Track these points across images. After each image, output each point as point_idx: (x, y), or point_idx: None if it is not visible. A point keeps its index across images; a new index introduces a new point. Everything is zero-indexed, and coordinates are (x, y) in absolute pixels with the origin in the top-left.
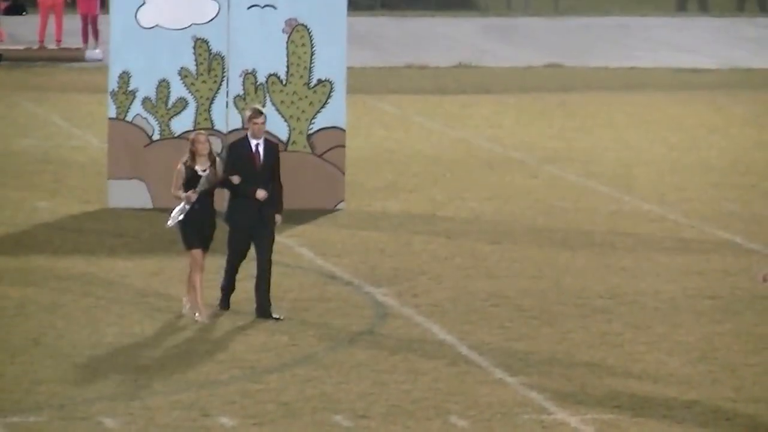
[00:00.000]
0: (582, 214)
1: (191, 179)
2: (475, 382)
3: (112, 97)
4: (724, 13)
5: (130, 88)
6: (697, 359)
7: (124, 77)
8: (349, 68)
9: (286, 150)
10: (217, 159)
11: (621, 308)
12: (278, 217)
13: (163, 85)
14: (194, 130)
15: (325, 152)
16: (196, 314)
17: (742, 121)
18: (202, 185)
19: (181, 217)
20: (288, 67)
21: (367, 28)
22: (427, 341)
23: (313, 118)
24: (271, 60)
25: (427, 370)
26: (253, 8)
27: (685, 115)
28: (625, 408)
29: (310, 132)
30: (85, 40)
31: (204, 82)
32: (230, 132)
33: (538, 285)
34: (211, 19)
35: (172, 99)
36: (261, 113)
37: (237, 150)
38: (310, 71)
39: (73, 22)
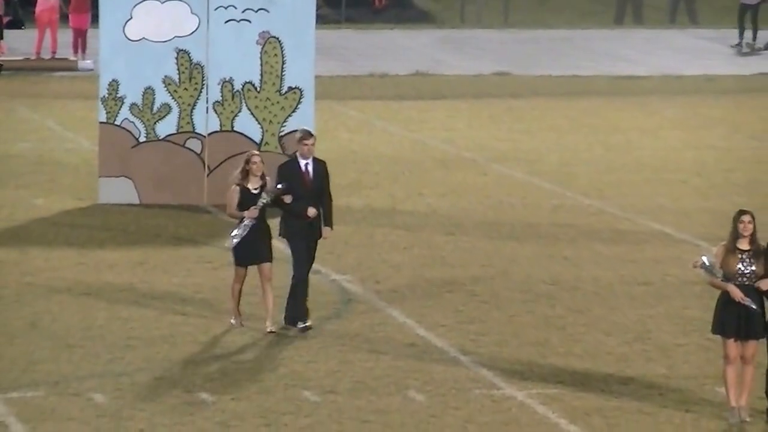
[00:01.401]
0: (527, 209)
1: (245, 199)
2: (431, 360)
3: (102, 103)
4: (657, 25)
5: (118, 95)
6: (632, 339)
7: (113, 85)
8: (316, 77)
9: (259, 151)
10: (268, 179)
11: (563, 293)
12: (327, 230)
13: (149, 92)
14: (177, 132)
15: (295, 153)
16: (232, 319)
17: (672, 123)
18: (263, 199)
19: (244, 234)
20: (262, 75)
21: (333, 40)
22: (388, 324)
23: (284, 121)
24: (247, 69)
25: (388, 350)
26: (229, 22)
27: (621, 119)
28: (567, 383)
29: (282, 134)
30: (76, 51)
31: (186, 89)
32: (210, 134)
33: (488, 273)
34: (192, 33)
35: (157, 105)
36: (311, 135)
37: (288, 170)
38: (282, 79)
39: (67, 36)
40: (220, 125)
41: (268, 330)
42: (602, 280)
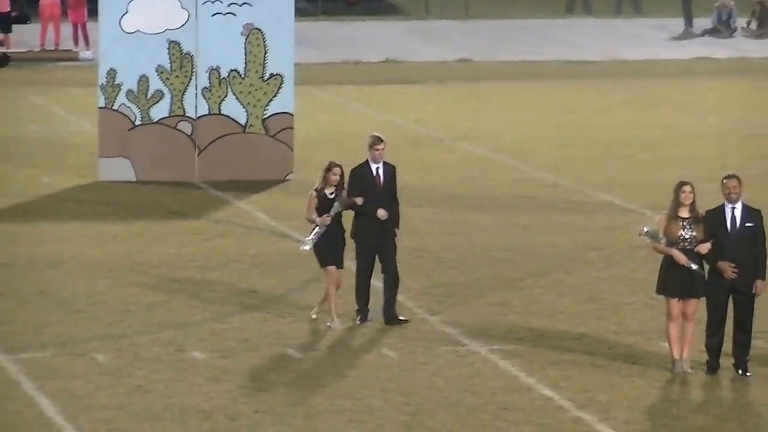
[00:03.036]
0: (489, 182)
1: (322, 204)
2: (411, 328)
3: (101, 90)
4: (605, 14)
5: (116, 83)
6: (585, 299)
7: (111, 73)
8: (296, 64)
9: (244, 132)
10: (343, 191)
11: (522, 258)
12: (396, 231)
13: (144, 80)
14: (170, 116)
15: (277, 133)
16: (329, 322)
17: (620, 104)
18: (335, 209)
19: (316, 240)
20: (246, 63)
21: (311, 31)
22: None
23: (267, 105)
24: (232, 58)
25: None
26: (216, 15)
27: (574, 100)
28: (525, 340)
29: (265, 117)
30: (76, 43)
31: (177, 77)
32: (199, 117)
33: (454, 241)
34: (182, 25)
35: (151, 91)
36: (381, 140)
37: (360, 174)
38: (264, 67)
39: (69, 29)
40: (209, 109)
41: (330, 327)
42: (558, 246)
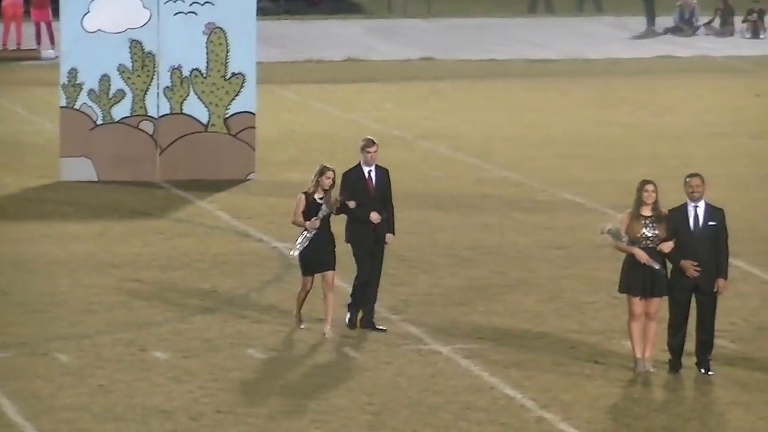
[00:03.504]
0: (451, 181)
1: (310, 207)
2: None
3: (63, 90)
4: (567, 13)
5: (77, 82)
6: (547, 298)
7: (73, 73)
8: (258, 63)
9: (206, 131)
10: (335, 196)
11: (485, 257)
12: (390, 236)
13: (105, 79)
14: (131, 115)
15: (239, 132)
16: (301, 326)
17: (582, 103)
18: (323, 212)
19: (306, 244)
20: (208, 62)
21: (273, 30)
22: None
23: (229, 104)
24: (194, 57)
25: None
26: (178, 15)
27: (536, 99)
28: (488, 339)
29: (227, 116)
30: (39, 42)
31: (139, 76)
32: (161, 117)
33: (417, 239)
34: (144, 24)
35: (113, 90)
36: (374, 143)
37: (352, 177)
38: (226, 66)
39: (32, 29)
40: (171, 108)
41: (326, 335)
42: (520, 245)
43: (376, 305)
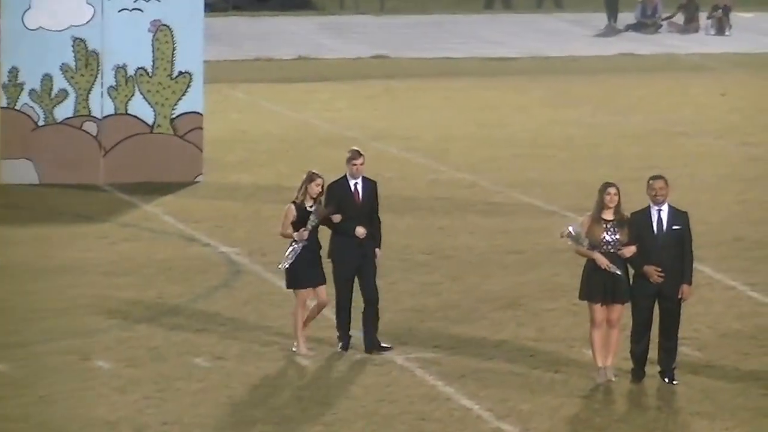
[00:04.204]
0: (405, 182)
1: (300, 217)
2: (316, 327)
3: (3, 90)
4: (525, 9)
5: (18, 81)
6: (504, 305)
7: (14, 72)
8: (206, 62)
9: (152, 132)
10: (322, 198)
11: (439, 262)
12: (378, 251)
13: (47, 79)
14: (74, 116)
15: (186, 133)
16: (294, 345)
17: (540, 102)
18: (312, 222)
19: (294, 257)
20: (154, 61)
21: (222, 27)
22: (274, 293)
23: (176, 104)
24: (140, 56)
25: (275, 318)
26: (123, 11)
27: (493, 98)
28: (443, 347)
29: (173, 116)
30: None
31: (82, 75)
32: (105, 117)
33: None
34: (88, 21)
35: (55, 90)
36: (360, 155)
37: (337, 190)
38: (173, 64)
39: None
40: (115, 109)
41: (293, 348)
42: (476, 249)
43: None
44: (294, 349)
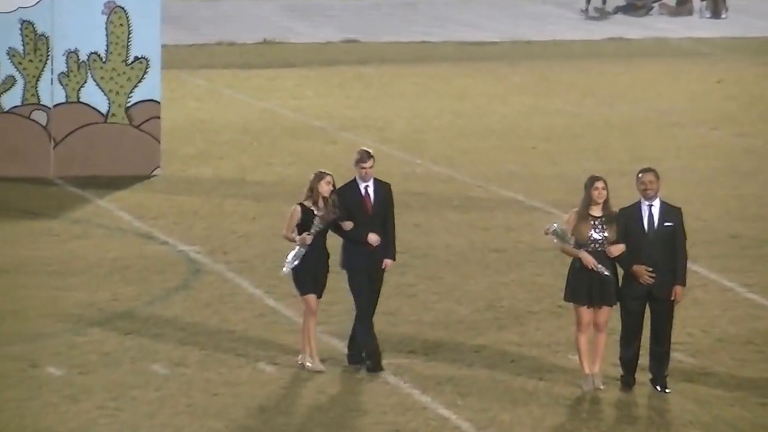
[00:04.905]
0: (377, 176)
1: (306, 221)
2: (281, 331)
3: None
4: None
5: None
6: (484, 307)
7: None
8: (163, 46)
9: (106, 122)
10: (334, 199)
11: (415, 261)
12: (389, 262)
13: None
14: (22, 104)
15: (142, 123)
16: (307, 362)
17: (520, 89)
18: (316, 226)
19: (297, 263)
20: (108, 46)
21: (180, 9)
22: (237, 294)
23: (131, 92)
24: (92, 40)
25: (238, 321)
26: None
27: (470, 85)
28: (419, 353)
29: (129, 105)
30: None
31: (31, 61)
32: (56, 106)
33: (338, 241)
34: (36, 3)
35: (2, 77)
36: (370, 156)
37: (347, 194)
38: (128, 49)
39: None
40: (66, 97)
41: (300, 362)
42: (454, 247)
43: (276, 305)
44: (300, 361)
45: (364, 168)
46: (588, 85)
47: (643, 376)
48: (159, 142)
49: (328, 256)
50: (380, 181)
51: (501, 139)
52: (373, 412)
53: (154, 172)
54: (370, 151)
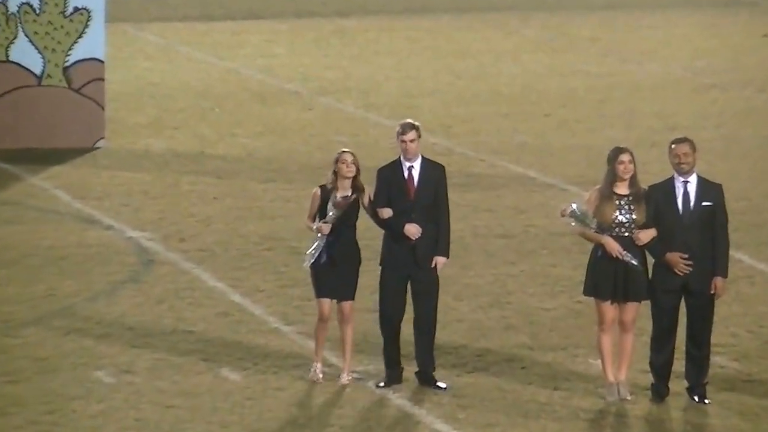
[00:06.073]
0: (362, 149)
1: (327, 207)
2: (248, 332)
3: None
4: None
5: None
6: (488, 304)
7: None
8: None
9: (40, 85)
10: (366, 188)
11: None
12: (440, 260)
13: None
14: None
15: (83, 86)
16: (312, 372)
17: (533, 45)
18: (334, 214)
19: (317, 256)
20: None
21: None
22: (196, 289)
23: (70, 49)
24: None
25: (196, 321)
26: None
27: (472, 40)
28: (410, 357)
29: (67, 65)
30: None
31: None
32: None
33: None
34: None
35: None
36: (412, 128)
37: (387, 176)
38: None
39: None
40: None
41: (343, 383)
42: (453, 233)
43: (242, 301)
44: (312, 377)
45: (405, 141)
46: (612, 41)
47: (678, 385)
48: (103, 109)
49: (356, 251)
50: (431, 161)
51: (510, 105)
52: (357, 427)
53: (97, 144)
54: (414, 122)
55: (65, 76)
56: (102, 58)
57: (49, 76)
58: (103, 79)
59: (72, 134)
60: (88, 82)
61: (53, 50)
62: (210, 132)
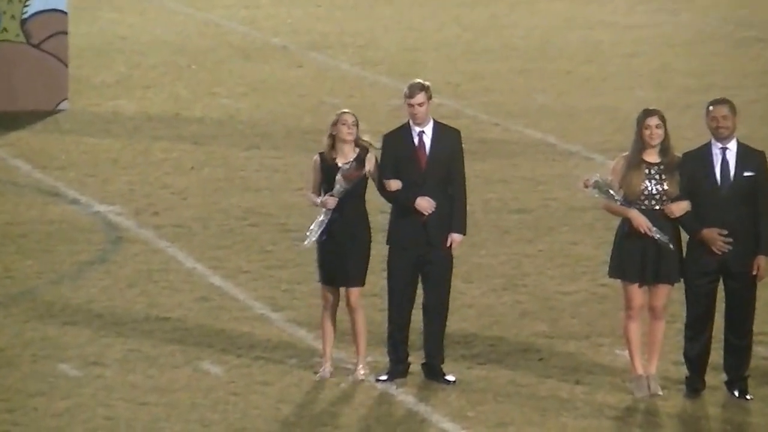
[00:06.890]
0: (358, 111)
1: (329, 177)
2: (231, 319)
3: None
4: None
5: None
6: (501, 287)
7: None
8: None
9: None
10: (370, 151)
11: None
12: (456, 237)
13: None
14: None
15: (44, 41)
16: (321, 371)
17: None
18: (340, 186)
19: (319, 233)
20: None
21: None
22: (171, 270)
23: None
24: None
25: (172, 306)
26: None
27: None
28: (414, 347)
29: (25, 16)
30: None
31: None
32: None
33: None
34: None
35: None
36: (421, 89)
37: (395, 143)
38: None
39: None
40: None
41: (359, 379)
42: None
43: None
44: (319, 376)
45: (412, 104)
46: None
47: (715, 379)
48: (66, 66)
49: (364, 228)
50: (445, 125)
51: (526, 61)
52: (353, 427)
53: (59, 107)
54: (423, 82)
55: (23, 30)
56: (65, 9)
57: (4, 29)
58: (66, 33)
59: (31, 95)
60: (49, 37)
61: (9, 0)
62: (186, 92)
